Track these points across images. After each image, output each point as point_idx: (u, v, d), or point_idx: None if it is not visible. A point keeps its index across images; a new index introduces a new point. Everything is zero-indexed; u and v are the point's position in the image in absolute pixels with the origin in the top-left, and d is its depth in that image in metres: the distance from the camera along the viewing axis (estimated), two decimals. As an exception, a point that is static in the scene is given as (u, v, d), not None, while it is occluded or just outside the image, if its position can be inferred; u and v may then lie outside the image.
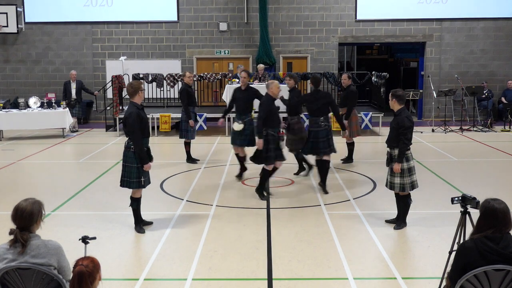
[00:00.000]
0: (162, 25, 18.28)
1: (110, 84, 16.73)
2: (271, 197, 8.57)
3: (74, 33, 18.36)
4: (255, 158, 8.56)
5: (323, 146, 8.80)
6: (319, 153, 8.86)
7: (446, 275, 4.21)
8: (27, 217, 3.82)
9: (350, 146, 11.13)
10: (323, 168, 8.86)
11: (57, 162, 11.99)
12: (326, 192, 8.73)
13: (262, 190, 8.51)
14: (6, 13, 17.75)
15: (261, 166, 8.53)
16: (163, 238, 6.72)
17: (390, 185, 6.96)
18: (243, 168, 9.85)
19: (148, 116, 7.44)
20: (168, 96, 17.20)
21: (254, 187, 9.28)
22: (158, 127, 15.41)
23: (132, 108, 6.75)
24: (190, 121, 10.91)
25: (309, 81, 9.63)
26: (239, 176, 9.82)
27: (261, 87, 15.37)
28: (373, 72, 17.07)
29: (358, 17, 18.11)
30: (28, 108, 15.22)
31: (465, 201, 4.57)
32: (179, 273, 5.65)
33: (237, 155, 9.92)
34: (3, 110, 14.89)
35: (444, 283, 4.30)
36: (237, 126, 9.56)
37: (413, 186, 6.92)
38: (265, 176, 8.49)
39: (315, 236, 6.76)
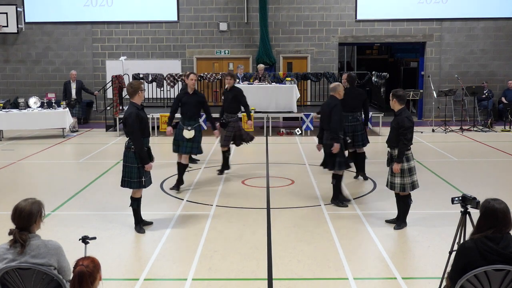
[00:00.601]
0: (162, 25, 18.28)
1: (110, 84, 16.73)
2: (271, 196, 8.58)
3: (74, 33, 18.36)
4: (327, 164, 8.19)
5: (361, 139, 9.52)
6: (357, 145, 9.52)
7: (446, 275, 4.21)
8: (25, 217, 3.82)
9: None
10: (361, 159, 9.63)
11: (57, 162, 11.99)
12: (366, 178, 9.59)
13: (339, 197, 8.15)
14: (6, 13, 17.75)
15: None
16: (163, 238, 6.71)
17: (391, 185, 6.97)
18: (180, 181, 9.09)
19: (148, 116, 7.44)
20: (168, 96, 17.19)
21: (254, 187, 9.28)
22: (158, 127, 15.41)
23: (131, 108, 6.75)
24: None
25: (345, 79, 9.85)
26: (177, 187, 9.06)
27: (261, 87, 15.52)
28: (373, 72, 17.07)
29: (358, 17, 18.12)
30: (28, 108, 15.22)
31: (465, 201, 4.57)
32: (179, 273, 5.65)
33: (179, 163, 9.08)
34: (3, 110, 14.89)
35: (444, 283, 4.30)
36: (188, 134, 8.93)
37: (413, 186, 6.93)
38: (338, 182, 8.13)
39: (315, 236, 6.76)
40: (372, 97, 17.96)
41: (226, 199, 8.50)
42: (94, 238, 4.18)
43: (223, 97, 10.37)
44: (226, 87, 10.27)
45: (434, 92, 17.07)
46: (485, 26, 18.11)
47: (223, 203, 8.30)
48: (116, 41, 18.36)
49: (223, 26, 18.13)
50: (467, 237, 4.12)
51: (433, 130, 15.64)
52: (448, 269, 4.08)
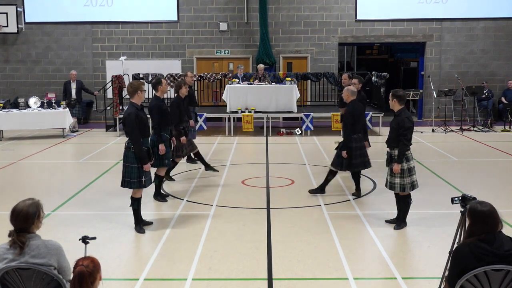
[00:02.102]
0: (162, 25, 18.28)
1: (110, 84, 16.73)
2: (271, 196, 8.59)
3: (74, 33, 18.36)
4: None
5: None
6: None
7: (444, 278, 4.21)
8: (22, 219, 3.80)
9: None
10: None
11: (57, 162, 11.99)
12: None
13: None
14: (6, 13, 17.75)
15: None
16: (163, 238, 6.72)
17: (390, 185, 6.96)
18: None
19: (148, 116, 7.42)
20: (168, 96, 17.17)
21: (254, 187, 9.29)
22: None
23: (131, 109, 6.75)
24: (190, 121, 10.90)
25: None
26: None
27: (261, 87, 15.52)
28: (373, 72, 17.07)
29: (358, 17, 18.12)
30: (28, 108, 15.22)
31: (465, 201, 4.56)
32: (179, 273, 5.65)
33: (163, 177, 8.59)
34: (3, 110, 14.89)
35: (443, 285, 4.30)
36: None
37: (413, 186, 6.92)
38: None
39: (315, 236, 6.76)
40: (372, 97, 17.96)
41: (226, 199, 8.50)
42: (94, 238, 4.17)
43: (177, 105, 9.28)
44: (182, 95, 9.45)
45: (434, 92, 17.07)
46: (485, 26, 18.11)
47: (223, 203, 8.30)
48: (116, 41, 18.36)
49: (223, 26, 18.13)
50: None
51: (433, 130, 15.64)
52: (446, 272, 4.08)
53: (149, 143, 7.04)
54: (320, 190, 8.67)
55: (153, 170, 7.45)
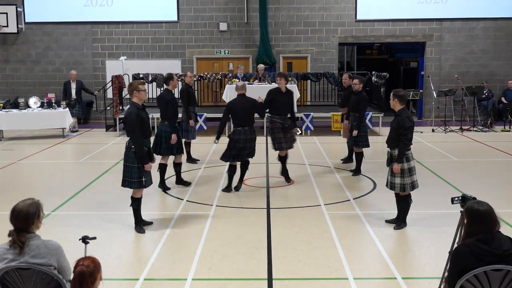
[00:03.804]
0: (162, 25, 18.29)
1: (110, 84, 16.73)
2: (271, 196, 8.59)
3: (74, 33, 18.36)
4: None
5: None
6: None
7: (444, 278, 4.21)
8: (23, 219, 3.80)
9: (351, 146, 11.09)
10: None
11: (57, 162, 11.99)
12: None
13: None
14: (6, 13, 17.75)
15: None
16: (163, 238, 6.72)
17: (391, 185, 6.96)
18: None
19: (149, 116, 7.42)
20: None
21: (255, 187, 9.29)
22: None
23: (132, 108, 6.74)
24: (190, 121, 10.91)
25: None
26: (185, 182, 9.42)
27: (261, 87, 15.49)
28: (373, 72, 17.07)
29: (358, 17, 18.12)
30: (28, 108, 15.23)
31: (465, 201, 4.56)
32: (179, 273, 5.65)
33: (166, 165, 9.15)
34: (3, 110, 14.90)
35: (443, 285, 4.30)
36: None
37: (413, 186, 6.92)
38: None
39: (315, 236, 6.76)
40: (372, 97, 17.96)
41: (226, 199, 8.50)
42: (94, 238, 4.17)
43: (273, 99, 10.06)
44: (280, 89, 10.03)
45: (434, 92, 17.07)
46: (485, 26, 18.11)
47: (223, 203, 8.30)
48: (116, 41, 18.36)
49: (223, 26, 18.13)
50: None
51: (433, 130, 15.64)
52: (446, 273, 4.08)
53: (150, 143, 7.02)
54: (228, 188, 8.92)
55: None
